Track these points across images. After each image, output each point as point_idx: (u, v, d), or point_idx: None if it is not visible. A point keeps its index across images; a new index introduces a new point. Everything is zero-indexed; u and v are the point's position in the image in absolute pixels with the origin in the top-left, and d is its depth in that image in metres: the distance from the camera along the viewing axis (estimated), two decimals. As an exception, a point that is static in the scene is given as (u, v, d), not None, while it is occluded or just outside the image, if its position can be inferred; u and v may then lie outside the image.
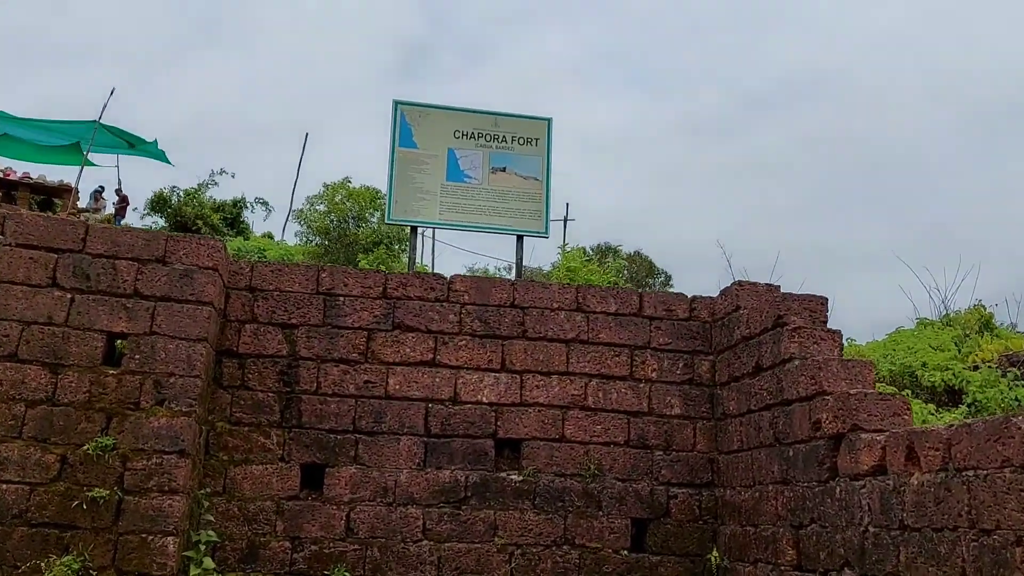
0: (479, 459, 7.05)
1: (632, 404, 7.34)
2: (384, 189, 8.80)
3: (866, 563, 4.99)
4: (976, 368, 9.25)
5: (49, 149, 16.65)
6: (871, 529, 4.98)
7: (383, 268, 13.44)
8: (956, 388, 8.87)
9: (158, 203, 33.19)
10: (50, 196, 18.65)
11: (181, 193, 32.92)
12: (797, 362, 6.01)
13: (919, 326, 10.76)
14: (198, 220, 31.38)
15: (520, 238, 8.64)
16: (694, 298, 7.75)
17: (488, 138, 8.61)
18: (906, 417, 5.28)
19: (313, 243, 25.78)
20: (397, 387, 7.09)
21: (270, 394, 6.93)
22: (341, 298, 7.25)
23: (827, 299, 6.48)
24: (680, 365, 7.50)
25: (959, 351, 9.50)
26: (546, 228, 8.56)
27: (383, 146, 8.55)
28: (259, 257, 13.75)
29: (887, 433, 5.05)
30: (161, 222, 33.08)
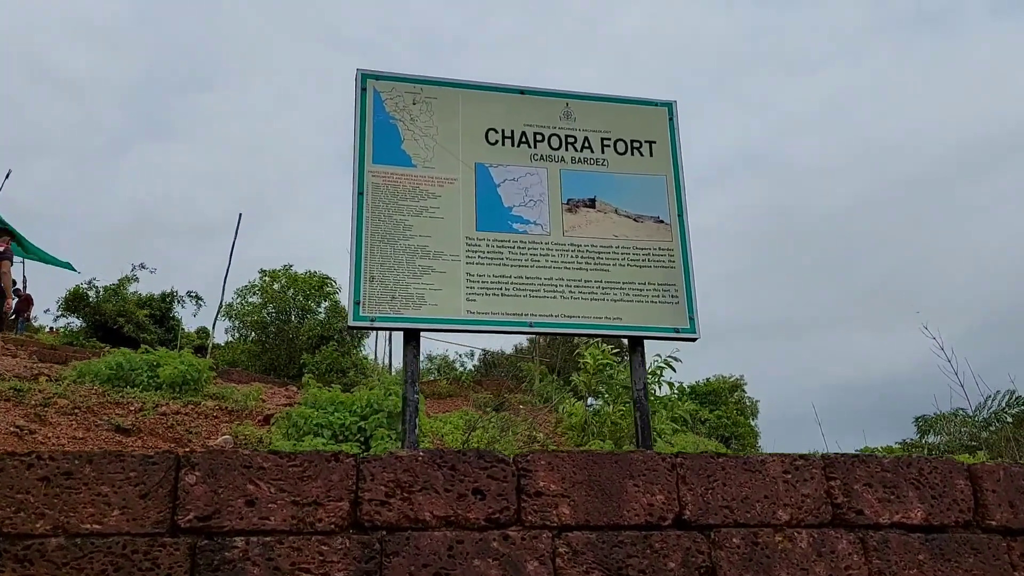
0: None
1: None
2: (343, 275, 4.05)
3: None
4: None
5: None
6: None
7: (335, 386, 8.54)
8: None
9: (73, 301, 28.85)
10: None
11: (100, 289, 28.58)
12: None
13: None
14: (120, 317, 27.08)
15: (638, 343, 4.05)
16: (1092, 473, 3.30)
17: (556, 141, 4.17)
18: None
19: (248, 339, 21.35)
20: None
21: None
22: (237, 540, 2.66)
23: None
24: (1110, 654, 3.00)
25: None
26: (691, 323, 4.01)
27: (339, 225, 4.03)
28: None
29: None
30: (78, 323, 28.70)
